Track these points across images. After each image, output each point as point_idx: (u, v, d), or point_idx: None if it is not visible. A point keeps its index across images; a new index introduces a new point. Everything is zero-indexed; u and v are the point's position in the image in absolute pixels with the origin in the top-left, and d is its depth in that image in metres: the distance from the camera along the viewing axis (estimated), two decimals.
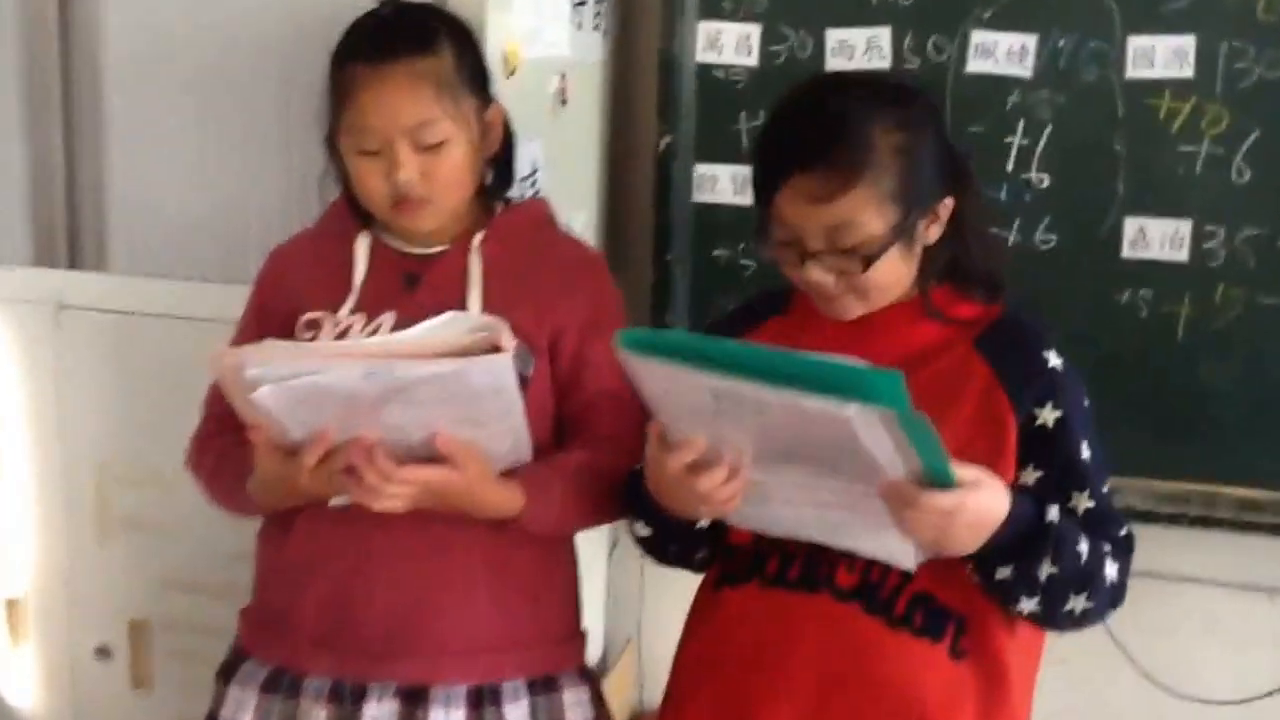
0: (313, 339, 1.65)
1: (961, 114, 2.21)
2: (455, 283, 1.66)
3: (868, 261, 1.43)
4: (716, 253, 2.37)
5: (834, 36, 2.27)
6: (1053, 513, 1.39)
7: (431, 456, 1.48)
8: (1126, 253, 2.21)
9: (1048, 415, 1.44)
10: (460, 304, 1.64)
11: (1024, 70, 2.21)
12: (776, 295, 1.64)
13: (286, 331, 1.69)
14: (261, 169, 2.15)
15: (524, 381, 1.59)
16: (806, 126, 1.45)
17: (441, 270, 1.67)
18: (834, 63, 2.26)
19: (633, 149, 2.40)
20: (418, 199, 1.61)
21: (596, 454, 1.62)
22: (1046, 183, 2.23)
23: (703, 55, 2.32)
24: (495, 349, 1.42)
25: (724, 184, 2.34)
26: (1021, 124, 2.23)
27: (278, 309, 1.71)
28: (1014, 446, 1.44)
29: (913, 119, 1.46)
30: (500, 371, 1.43)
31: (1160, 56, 2.16)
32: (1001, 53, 2.22)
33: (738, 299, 2.26)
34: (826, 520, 1.40)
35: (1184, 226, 2.19)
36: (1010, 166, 2.23)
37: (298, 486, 1.52)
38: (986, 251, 1.54)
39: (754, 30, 2.30)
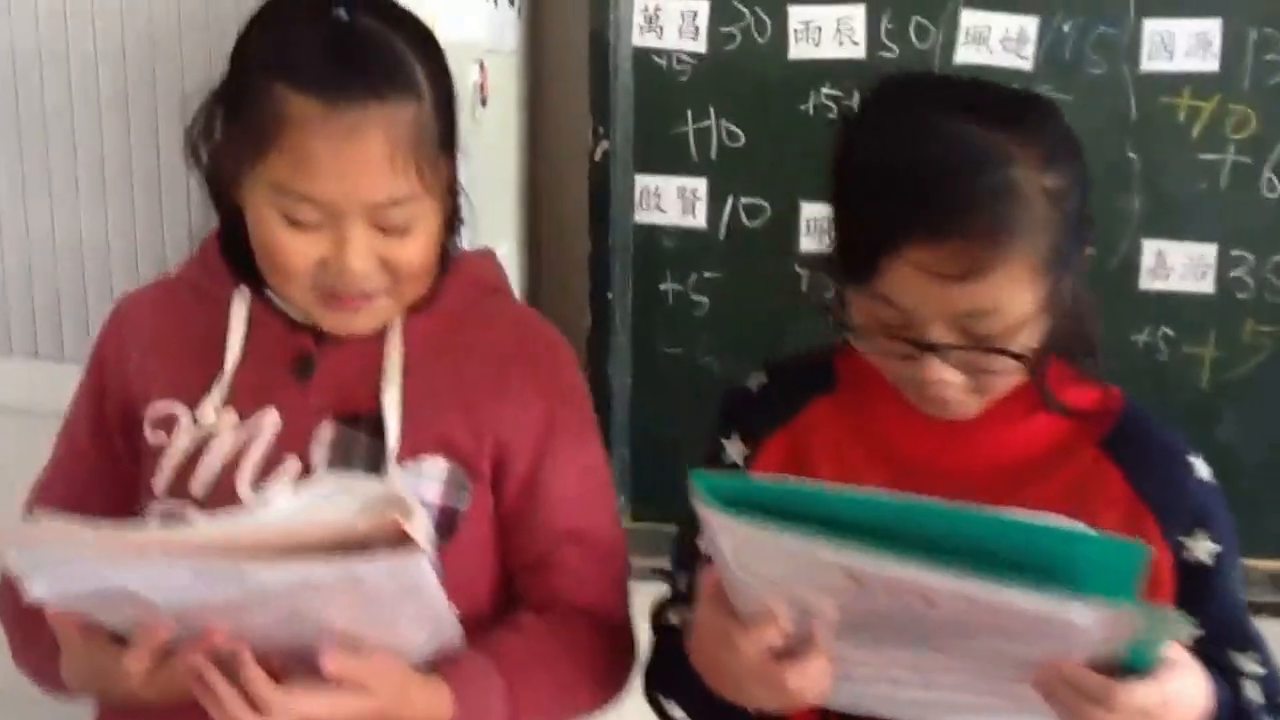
0: (158, 450, 1.19)
1: None
2: (364, 374, 1.21)
3: (1021, 355, 1.07)
4: (664, 287, 1.95)
5: (797, 16, 1.86)
6: (1251, 692, 1.06)
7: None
8: (1145, 284, 1.88)
9: (1202, 549, 1.11)
10: (368, 404, 1.19)
11: (1023, 61, 1.84)
12: (814, 364, 1.25)
13: (129, 428, 1.23)
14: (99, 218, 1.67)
15: (453, 520, 1.19)
16: (929, 175, 1.05)
17: (347, 355, 1.22)
18: (797, 49, 1.85)
19: (558, 158, 1.96)
20: (360, 295, 1.17)
21: (557, 627, 1.21)
22: None
23: (640, 39, 1.89)
24: (401, 536, 0.98)
25: (669, 199, 1.91)
26: None
27: (118, 393, 1.26)
28: (1171, 590, 1.10)
29: (1060, 148, 1.08)
30: (412, 573, 1.00)
31: (1180, 44, 1.82)
32: (996, 39, 1.85)
33: (691, 347, 1.94)
34: (935, 702, 1.03)
35: (1209, 252, 1.86)
36: None
37: (130, 688, 1.06)
38: (1090, 309, 1.18)
39: (701, 6, 1.88)
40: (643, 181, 1.91)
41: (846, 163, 1.12)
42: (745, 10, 1.87)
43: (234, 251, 1.24)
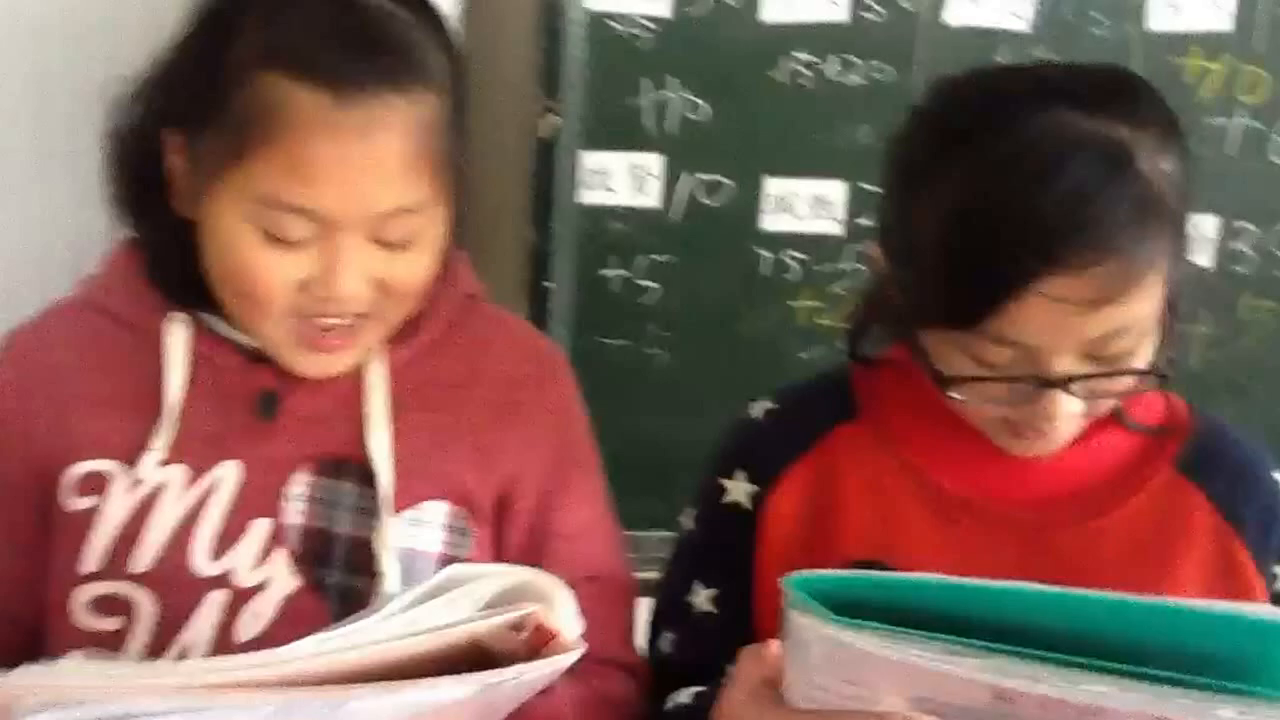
0: (90, 512, 0.96)
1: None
2: (342, 409, 1.01)
3: (1149, 374, 0.98)
4: (606, 273, 1.75)
5: None
6: None
7: None
8: None
9: None
10: (350, 446, 0.99)
11: (1019, 21, 1.69)
12: (829, 387, 1.11)
13: (40, 496, 0.99)
14: None
15: None
16: (1060, 197, 0.91)
17: (319, 387, 1.01)
18: (771, 11, 1.64)
19: (496, 134, 1.73)
20: (351, 323, 0.97)
21: (586, 689, 1.07)
22: None
23: (594, 1, 1.66)
24: (544, 636, 0.81)
25: (619, 178, 1.71)
26: None
27: (22, 454, 1.02)
28: None
29: (1169, 124, 0.97)
30: (555, 670, 0.83)
31: (1190, 1, 1.70)
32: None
33: (636, 338, 1.76)
34: None
35: (1209, 223, 1.77)
36: None
37: None
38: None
39: None
40: (590, 159, 1.69)
41: (942, 197, 0.95)
42: None
43: (163, 271, 1.01)
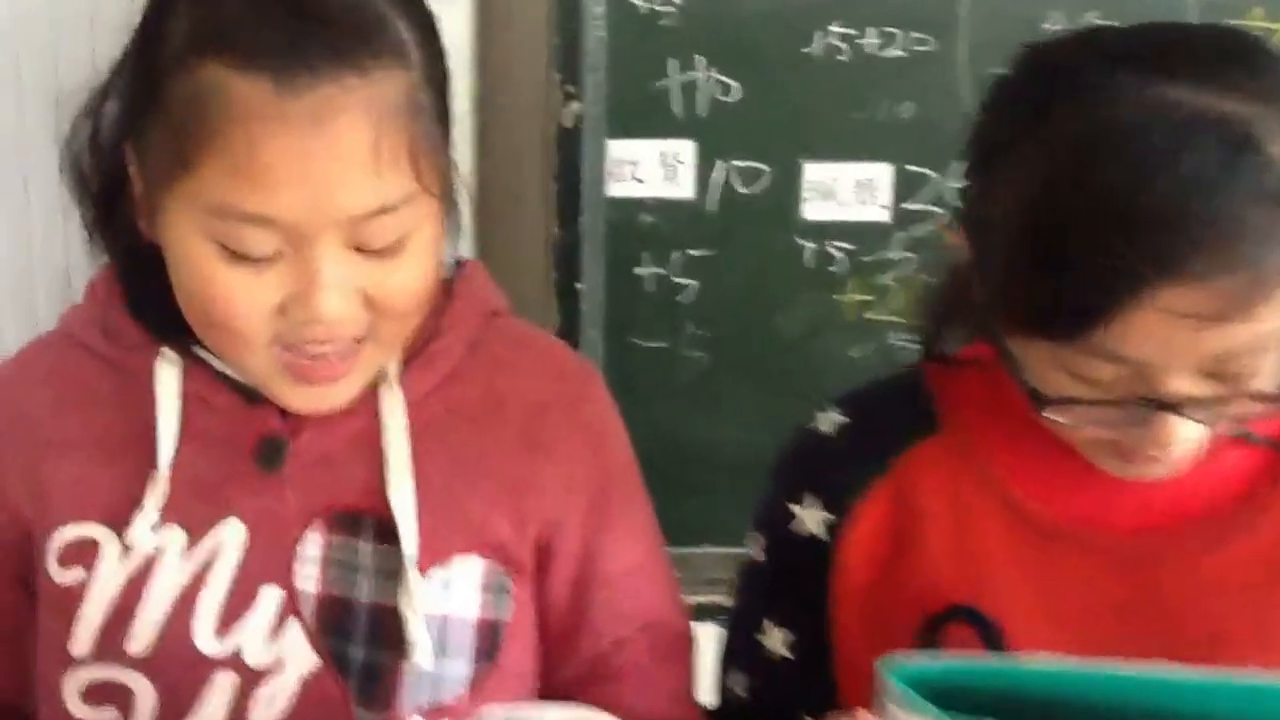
0: (78, 587, 0.86)
1: (981, 49, 1.56)
2: (357, 454, 0.90)
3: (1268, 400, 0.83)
4: (640, 272, 1.64)
5: None
6: None
7: None
8: None
9: None
10: (368, 498, 0.89)
11: None
12: (905, 395, 0.98)
13: (22, 567, 0.89)
14: None
15: (495, 637, 0.93)
16: (1184, 195, 0.77)
17: (329, 430, 0.90)
18: None
19: (514, 123, 1.61)
20: (337, 358, 0.84)
21: None
22: None
23: None
24: None
25: (649, 168, 1.60)
26: None
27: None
28: None
29: None
30: None
31: None
32: None
33: (672, 339, 1.65)
34: None
35: None
36: None
37: None
38: None
39: None
40: (617, 148, 1.58)
41: (1018, 175, 0.83)
42: None
43: (146, 302, 0.89)
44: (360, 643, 0.88)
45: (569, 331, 1.61)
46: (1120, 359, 0.80)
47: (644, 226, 1.61)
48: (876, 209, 1.62)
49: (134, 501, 0.87)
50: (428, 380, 0.92)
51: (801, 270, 1.63)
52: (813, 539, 0.96)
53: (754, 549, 1.01)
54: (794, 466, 1.00)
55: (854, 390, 1.03)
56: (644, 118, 1.57)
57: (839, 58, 1.56)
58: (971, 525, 0.93)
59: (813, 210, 1.61)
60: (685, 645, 1.02)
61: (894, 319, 1.67)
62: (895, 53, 1.57)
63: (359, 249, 0.82)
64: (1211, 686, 0.69)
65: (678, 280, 1.64)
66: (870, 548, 0.94)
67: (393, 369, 0.91)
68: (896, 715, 0.69)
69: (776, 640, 0.98)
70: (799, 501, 0.97)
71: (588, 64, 1.53)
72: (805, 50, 1.56)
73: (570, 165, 1.56)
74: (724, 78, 1.56)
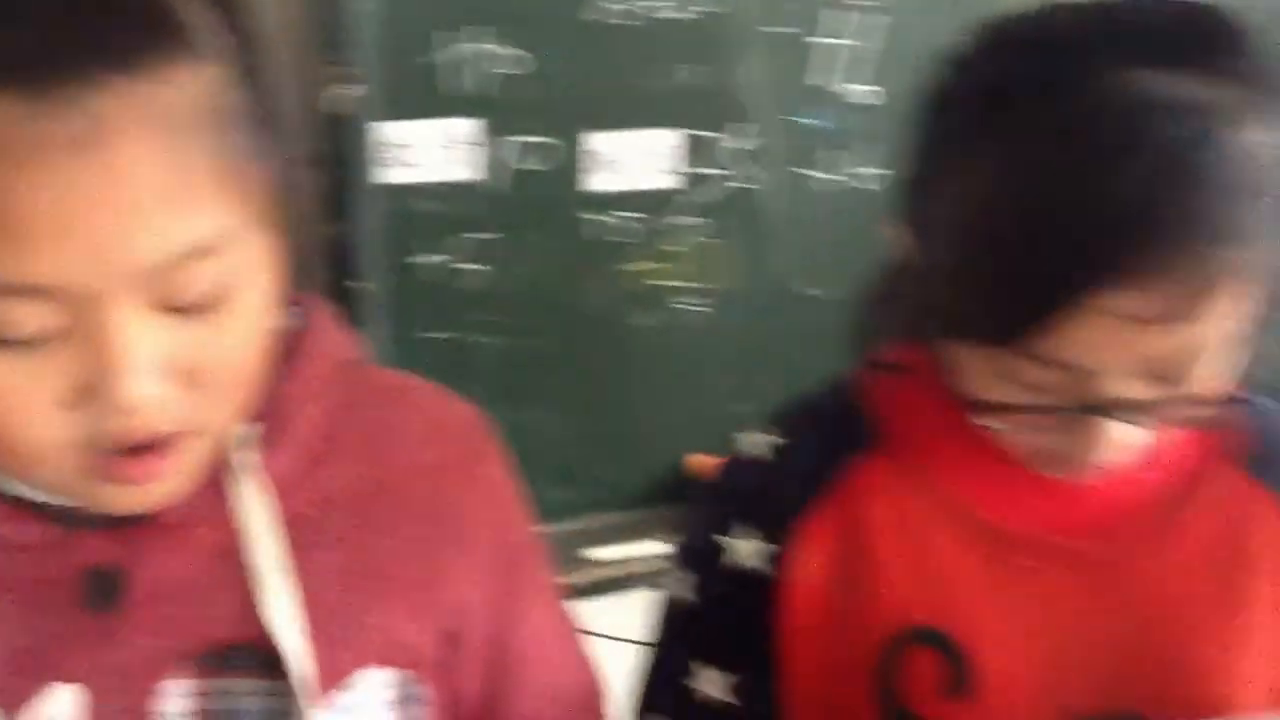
0: None
1: (761, 10, 1.51)
2: (215, 570, 0.74)
3: (1220, 402, 0.80)
4: (420, 260, 1.52)
5: None
6: None
7: None
8: None
9: None
10: (239, 622, 0.74)
11: None
12: (843, 410, 0.92)
13: None
14: None
15: None
16: (1135, 191, 0.72)
17: (175, 544, 0.75)
18: None
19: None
20: (164, 439, 0.68)
21: None
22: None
23: None
24: None
25: (425, 150, 1.47)
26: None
27: None
28: None
29: (1265, 67, 0.76)
30: None
31: None
32: None
33: (460, 329, 1.57)
34: None
35: None
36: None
37: None
38: None
39: None
40: (388, 131, 1.44)
41: (975, 182, 0.77)
42: None
43: None
44: None
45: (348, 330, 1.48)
46: (1059, 364, 0.76)
47: (424, 213, 1.49)
48: (663, 176, 1.57)
49: None
50: (288, 463, 0.76)
51: (592, 243, 1.56)
52: (752, 572, 0.89)
53: (680, 589, 0.94)
54: (725, 497, 0.92)
55: (785, 406, 0.96)
56: (418, 96, 1.45)
57: (616, 21, 1.48)
58: (925, 542, 0.88)
59: (600, 181, 1.54)
60: (600, 702, 0.94)
61: (689, 284, 1.63)
62: (677, 14, 1.50)
63: (166, 309, 0.64)
64: None
65: (464, 267, 1.53)
66: (818, 575, 0.87)
67: (244, 458, 0.75)
68: None
69: (712, 684, 0.91)
70: (728, 533, 0.90)
71: (354, 42, 1.38)
72: (581, 15, 1.47)
73: (340, 153, 1.41)
74: (499, 48, 1.45)
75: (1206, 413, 0.81)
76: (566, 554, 1.74)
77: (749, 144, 1.58)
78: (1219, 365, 0.79)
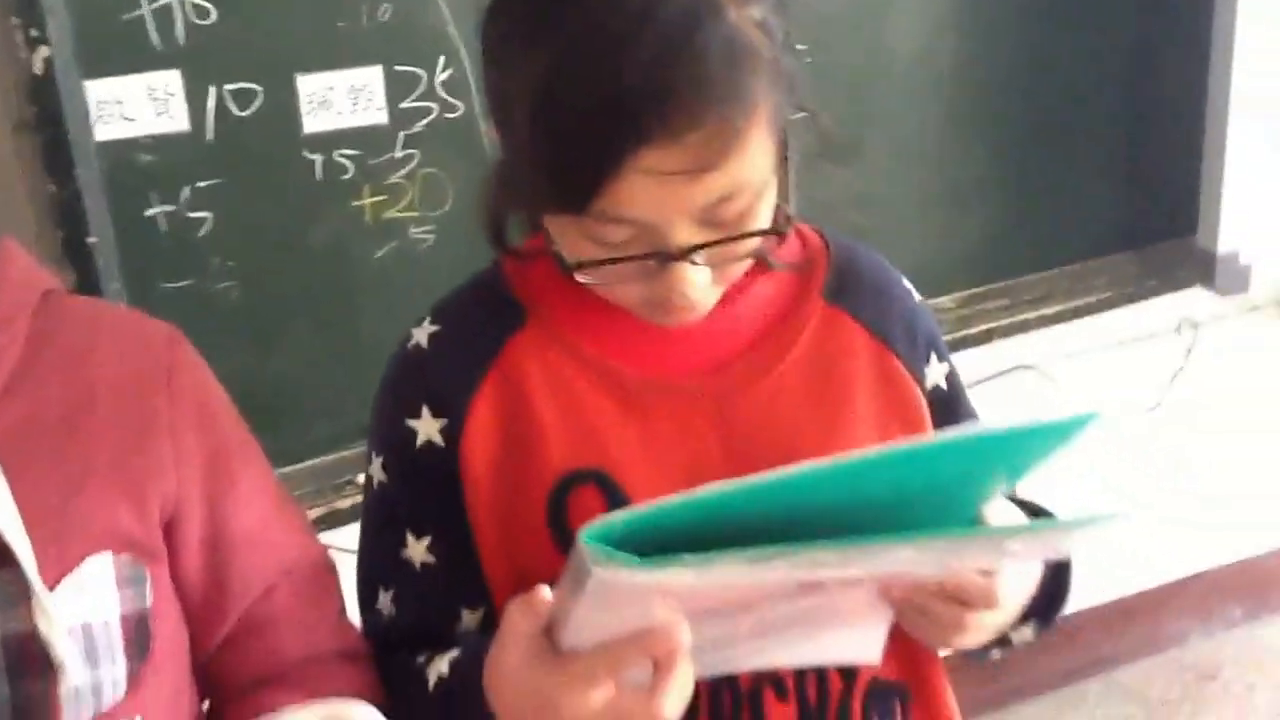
0: None
1: None
2: None
3: (771, 233, 0.92)
4: (150, 213, 1.57)
5: None
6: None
7: None
8: None
9: (937, 372, 1.08)
10: None
11: None
12: (492, 296, 1.04)
13: None
14: None
15: (145, 627, 0.89)
16: (639, 66, 0.85)
17: None
18: None
19: None
20: None
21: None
22: None
23: None
24: None
25: (137, 105, 1.52)
26: None
27: None
28: (928, 427, 1.06)
29: None
30: None
31: None
32: None
33: (199, 276, 1.64)
34: (762, 646, 0.93)
35: None
36: None
37: None
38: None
39: None
40: (96, 89, 1.49)
41: (517, 71, 0.91)
42: None
43: None
44: (2, 680, 0.83)
45: (87, 290, 1.52)
46: (624, 220, 0.90)
47: (144, 166, 1.54)
48: (374, 112, 1.66)
49: None
50: None
51: (314, 183, 1.64)
52: (432, 446, 1.00)
53: (375, 470, 1.04)
54: (400, 382, 1.03)
55: (442, 299, 1.08)
56: (119, 53, 1.50)
57: None
58: (576, 399, 1.02)
59: (314, 123, 1.62)
60: (331, 576, 1.03)
61: (411, 214, 1.73)
62: None
63: None
64: (850, 468, 0.80)
65: (191, 215, 1.59)
66: (487, 442, 1.00)
67: None
68: (602, 575, 0.75)
69: (419, 550, 1.02)
70: (415, 414, 1.01)
71: (48, 4, 1.43)
72: None
73: (50, 116, 1.45)
74: (199, 0, 1.52)
75: (763, 250, 0.96)
76: (337, 482, 1.84)
77: (452, 75, 1.69)
78: (765, 207, 0.95)
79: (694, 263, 0.91)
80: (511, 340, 1.01)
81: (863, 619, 0.92)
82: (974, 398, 1.13)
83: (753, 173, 0.90)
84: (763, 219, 0.93)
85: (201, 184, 1.58)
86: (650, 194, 0.87)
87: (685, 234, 0.90)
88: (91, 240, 1.50)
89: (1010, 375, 2.28)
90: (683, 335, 1.01)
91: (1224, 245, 2.04)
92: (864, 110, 1.93)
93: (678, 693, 0.82)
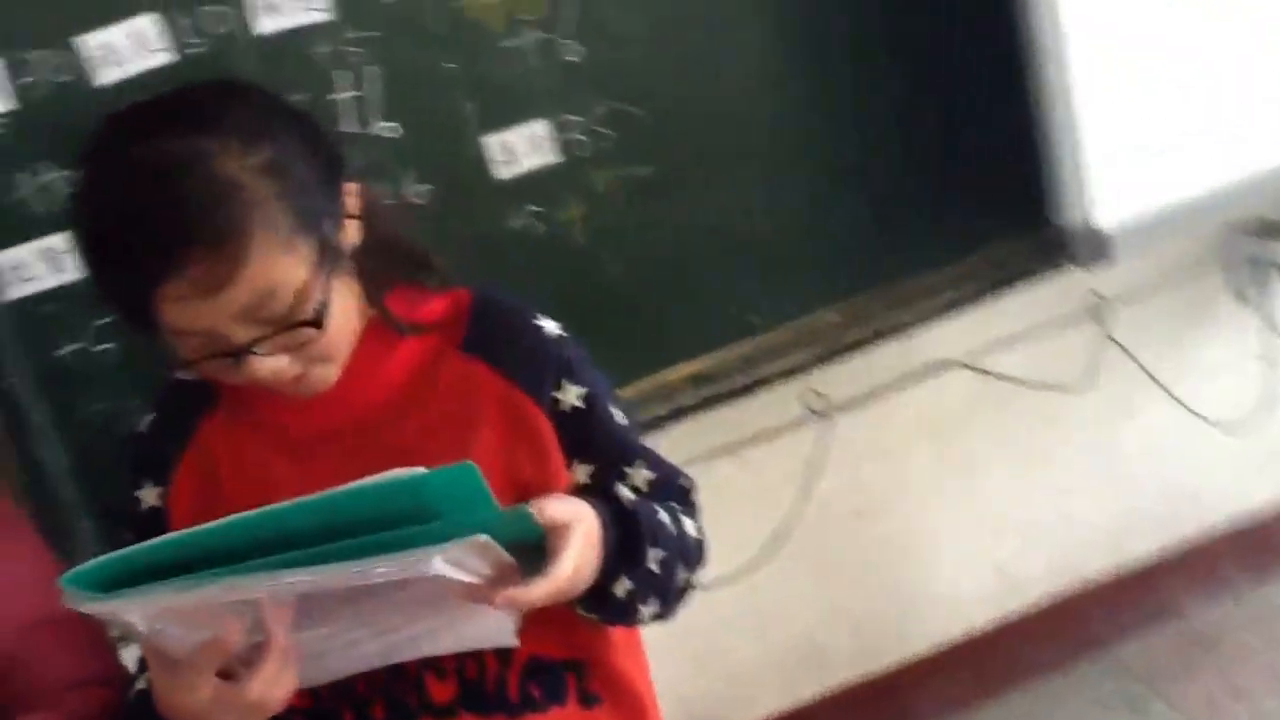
0: None
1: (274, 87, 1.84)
2: None
3: (319, 317, 1.12)
4: (62, 353, 1.81)
5: (89, 44, 1.74)
6: (625, 494, 1.24)
7: None
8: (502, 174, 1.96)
9: (571, 395, 1.25)
10: None
11: (322, 12, 1.85)
12: (193, 384, 1.28)
13: None
14: None
15: None
16: (134, 217, 1.08)
17: None
18: (104, 74, 1.74)
19: None
20: None
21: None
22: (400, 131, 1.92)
23: None
24: None
25: (36, 267, 1.79)
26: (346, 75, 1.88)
27: None
28: (555, 444, 1.23)
29: (254, 122, 1.14)
30: None
31: None
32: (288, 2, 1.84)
33: (118, 399, 1.76)
34: (396, 641, 1.12)
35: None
36: (357, 124, 1.90)
37: None
38: (404, 224, 1.34)
39: None
40: None
41: (80, 232, 1.15)
42: (36, 55, 1.71)
43: None
44: None
45: (24, 451, 1.74)
46: (184, 333, 1.10)
47: (49, 317, 1.74)
48: None
49: None
50: None
51: None
52: (155, 510, 1.25)
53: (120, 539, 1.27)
54: (130, 463, 1.29)
55: (159, 389, 1.32)
56: (10, 227, 1.72)
57: None
58: (250, 458, 1.25)
59: None
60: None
61: None
62: None
63: None
64: (272, 514, 0.99)
65: (101, 347, 1.78)
66: (188, 504, 1.24)
67: None
68: (95, 608, 0.97)
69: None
70: (140, 486, 1.26)
71: None
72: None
73: None
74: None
75: (314, 332, 1.12)
76: None
77: None
78: (313, 298, 1.11)
79: (258, 354, 1.12)
80: (204, 420, 1.25)
81: (481, 611, 1.10)
82: None
83: (284, 276, 1.10)
84: (312, 311, 1.12)
85: (98, 323, 1.76)
86: (185, 314, 1.09)
87: (241, 334, 1.12)
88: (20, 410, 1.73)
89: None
90: (342, 391, 1.22)
91: (1080, 219, 2.11)
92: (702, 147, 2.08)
93: (264, 684, 1.03)
